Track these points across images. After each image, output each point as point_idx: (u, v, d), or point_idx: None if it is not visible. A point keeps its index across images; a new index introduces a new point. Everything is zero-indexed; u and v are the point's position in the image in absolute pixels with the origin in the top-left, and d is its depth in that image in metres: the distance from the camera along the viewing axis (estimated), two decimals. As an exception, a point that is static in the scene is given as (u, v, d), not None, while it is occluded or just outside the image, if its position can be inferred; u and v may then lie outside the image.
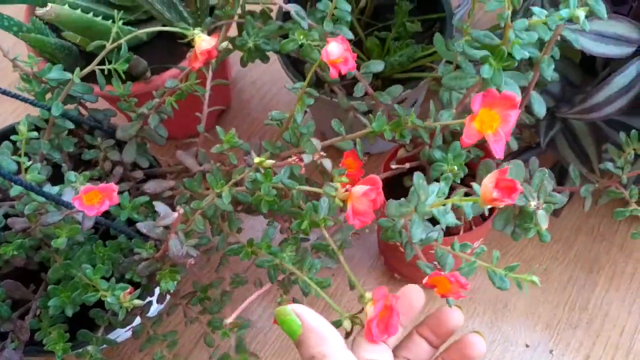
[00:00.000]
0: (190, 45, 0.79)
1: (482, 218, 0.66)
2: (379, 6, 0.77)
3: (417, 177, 0.44)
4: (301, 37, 0.52)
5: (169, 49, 0.78)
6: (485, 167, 0.60)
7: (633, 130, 0.54)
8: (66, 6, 0.58)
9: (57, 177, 0.63)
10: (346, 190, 0.49)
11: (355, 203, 0.48)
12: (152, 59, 0.75)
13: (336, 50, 0.48)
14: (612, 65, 0.66)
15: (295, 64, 0.75)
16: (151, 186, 0.64)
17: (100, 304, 0.57)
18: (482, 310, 0.78)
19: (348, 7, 0.51)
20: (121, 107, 0.65)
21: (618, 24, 0.56)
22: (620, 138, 0.54)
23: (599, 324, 0.77)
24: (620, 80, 0.56)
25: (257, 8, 0.76)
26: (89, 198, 0.49)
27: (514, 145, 0.59)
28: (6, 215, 0.62)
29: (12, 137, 0.51)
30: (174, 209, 0.65)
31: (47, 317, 0.61)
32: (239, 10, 0.72)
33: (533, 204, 0.49)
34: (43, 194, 0.51)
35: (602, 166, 0.56)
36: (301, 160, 0.50)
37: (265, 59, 0.67)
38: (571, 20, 0.56)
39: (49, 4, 0.56)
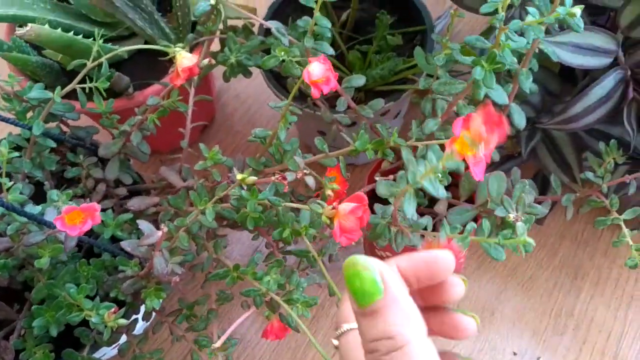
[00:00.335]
0: (172, 60, 0.80)
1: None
2: (359, 20, 0.77)
3: (406, 152, 0.44)
4: (282, 53, 0.52)
5: (150, 64, 0.78)
6: (468, 179, 0.61)
7: (612, 140, 0.55)
8: (46, 26, 0.58)
9: (39, 195, 0.63)
10: (333, 208, 0.49)
11: (343, 220, 0.48)
12: (134, 75, 0.74)
13: (318, 71, 0.48)
14: (592, 73, 0.67)
15: (278, 78, 0.75)
16: (135, 203, 0.64)
17: (85, 322, 0.57)
18: (469, 319, 0.79)
19: (328, 24, 0.52)
20: (103, 124, 0.65)
21: (595, 36, 0.57)
22: (600, 148, 0.55)
23: (585, 329, 0.77)
24: (598, 90, 0.56)
25: (239, 23, 0.76)
26: (71, 218, 0.48)
27: (496, 157, 0.60)
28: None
29: (-7, 158, 0.51)
30: (158, 226, 0.65)
31: (31, 337, 0.60)
32: (220, 26, 0.73)
33: (512, 216, 0.49)
34: (25, 214, 0.51)
35: (582, 176, 0.57)
36: (284, 178, 0.50)
37: (247, 74, 0.67)
38: (548, 32, 0.57)
39: (29, 24, 0.56)
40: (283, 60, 0.53)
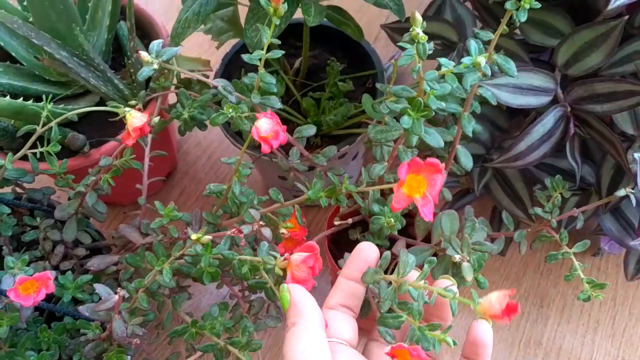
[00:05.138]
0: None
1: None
2: (313, 66, 0.79)
3: (403, 253, 0.45)
4: (230, 110, 0.53)
5: (107, 120, 0.78)
6: (422, 219, 0.62)
7: (557, 175, 0.56)
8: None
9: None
10: (285, 259, 0.50)
11: (295, 271, 0.49)
12: (91, 132, 0.75)
13: (266, 126, 0.48)
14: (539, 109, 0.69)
15: (236, 127, 0.76)
16: (95, 263, 0.64)
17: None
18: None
19: (272, 80, 0.53)
20: (58, 184, 0.65)
21: (534, 76, 0.58)
22: (547, 183, 0.57)
23: (554, 357, 0.78)
24: (539, 128, 0.58)
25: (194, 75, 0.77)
26: (25, 288, 0.48)
27: (448, 196, 0.61)
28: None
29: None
30: (120, 284, 0.65)
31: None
32: (175, 80, 0.74)
33: (457, 257, 0.50)
34: (-22, 285, 0.51)
35: (531, 211, 0.58)
36: (240, 232, 0.50)
37: (202, 127, 0.68)
38: (493, 75, 0.58)
39: (-23, 94, 0.56)
40: (232, 117, 0.54)
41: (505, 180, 0.67)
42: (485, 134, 0.66)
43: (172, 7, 0.75)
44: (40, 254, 0.67)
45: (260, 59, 0.52)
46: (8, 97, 0.61)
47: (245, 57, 0.52)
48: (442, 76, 0.48)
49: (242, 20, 0.69)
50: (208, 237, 0.50)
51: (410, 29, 0.42)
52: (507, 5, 0.47)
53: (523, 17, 0.47)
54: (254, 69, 0.56)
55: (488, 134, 0.67)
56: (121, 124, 0.79)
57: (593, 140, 0.61)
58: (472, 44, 0.46)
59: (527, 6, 0.47)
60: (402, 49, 0.46)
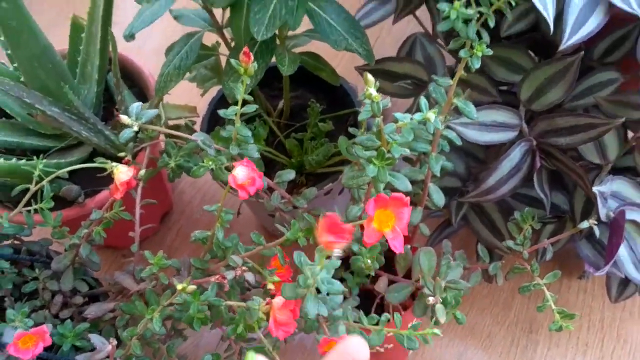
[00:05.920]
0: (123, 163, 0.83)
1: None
2: (295, 106, 0.82)
3: (297, 255, 0.48)
4: (210, 162, 0.56)
5: (101, 169, 0.81)
6: (402, 256, 0.64)
7: (527, 208, 0.59)
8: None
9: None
10: (267, 304, 0.52)
11: (277, 314, 0.51)
12: (85, 182, 0.78)
13: (242, 174, 0.51)
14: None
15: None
16: (92, 311, 0.66)
17: None
18: (432, 381, 0.81)
19: (249, 133, 0.56)
20: (54, 236, 0.68)
21: (498, 112, 0.61)
22: (516, 216, 0.59)
23: (546, 382, 0.79)
24: (507, 163, 0.60)
25: (182, 122, 0.80)
26: (24, 342, 0.51)
27: (426, 231, 0.63)
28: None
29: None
30: (116, 331, 0.67)
31: None
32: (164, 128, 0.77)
33: (431, 300, 0.52)
34: (-21, 340, 0.53)
35: (503, 244, 0.60)
36: (224, 278, 0.53)
37: (190, 173, 0.71)
38: (460, 113, 0.61)
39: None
40: (212, 169, 0.57)
41: (482, 212, 0.69)
42: (460, 166, 0.69)
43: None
44: (40, 303, 0.69)
45: (236, 113, 0.55)
46: (1, 159, 0.64)
47: (220, 112, 0.55)
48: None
49: (224, 68, 0.72)
50: (192, 287, 0.52)
51: (364, 89, 0.45)
52: (461, 53, 0.50)
53: (477, 64, 0.50)
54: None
55: (464, 167, 0.69)
56: (114, 172, 0.82)
57: (561, 172, 0.63)
58: (422, 101, 0.49)
59: (480, 54, 0.49)
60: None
